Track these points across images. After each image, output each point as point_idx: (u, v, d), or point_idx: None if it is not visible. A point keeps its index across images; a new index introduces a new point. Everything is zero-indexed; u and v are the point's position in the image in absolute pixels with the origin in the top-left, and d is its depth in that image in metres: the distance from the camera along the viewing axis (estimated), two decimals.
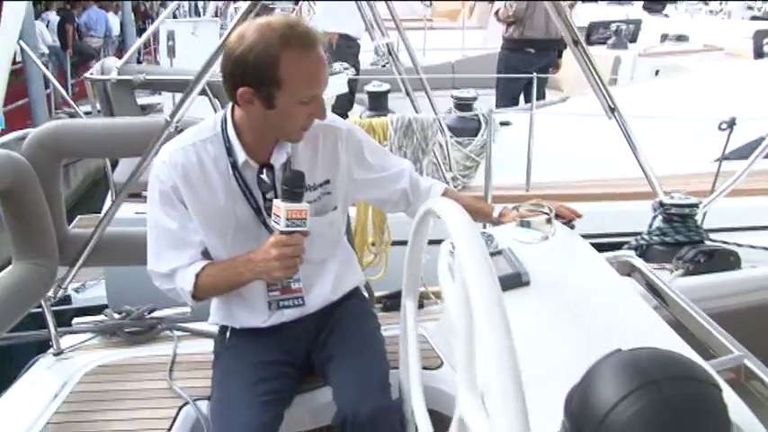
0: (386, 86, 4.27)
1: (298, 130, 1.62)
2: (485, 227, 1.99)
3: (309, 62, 1.52)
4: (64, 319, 2.40)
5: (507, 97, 6.39)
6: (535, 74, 4.38)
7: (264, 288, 1.76)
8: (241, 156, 1.66)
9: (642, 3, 13.02)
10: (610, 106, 2.59)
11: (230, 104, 1.66)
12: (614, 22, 7.88)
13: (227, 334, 1.87)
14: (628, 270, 1.64)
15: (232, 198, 1.69)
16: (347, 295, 1.92)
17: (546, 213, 1.69)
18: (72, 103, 4.31)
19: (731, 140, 3.51)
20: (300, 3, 7.24)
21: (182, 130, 1.90)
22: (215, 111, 2.83)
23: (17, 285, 1.88)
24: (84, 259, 2.27)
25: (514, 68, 6.09)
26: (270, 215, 1.63)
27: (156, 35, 7.14)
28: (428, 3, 9.83)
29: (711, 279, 1.88)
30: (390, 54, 3.79)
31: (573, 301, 1.37)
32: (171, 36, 6.56)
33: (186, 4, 13.72)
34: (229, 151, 1.67)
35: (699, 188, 3.23)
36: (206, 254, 1.74)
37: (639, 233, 2.50)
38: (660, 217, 2.32)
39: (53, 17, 12.77)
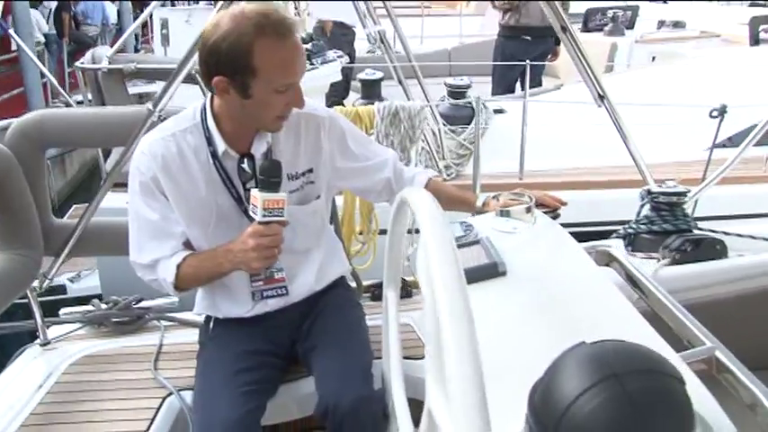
0: (379, 74, 4.26)
1: (274, 119, 1.61)
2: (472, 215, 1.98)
3: (284, 50, 1.50)
4: (59, 310, 2.40)
5: (503, 85, 6.35)
6: (528, 62, 4.36)
7: (248, 278, 1.75)
8: (221, 145, 1.64)
9: None
10: (599, 94, 2.57)
11: (210, 94, 1.65)
12: (611, 8, 7.83)
13: (211, 324, 1.87)
14: (607, 260, 1.63)
15: (213, 188, 1.68)
16: (332, 284, 1.92)
17: (526, 202, 1.67)
18: (62, 91, 4.29)
19: (726, 128, 3.51)
20: None
21: (165, 119, 1.89)
22: None
23: (0, 276, 1.87)
24: (69, 249, 2.25)
25: (510, 56, 6.07)
26: None
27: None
28: None
29: (696, 268, 1.87)
30: (382, 42, 3.77)
31: (548, 291, 1.36)
32: (165, 24, 6.51)
33: None
34: (209, 141, 1.66)
35: (693, 176, 3.22)
36: (188, 244, 1.74)
37: (631, 221, 2.49)
38: (648, 205, 2.31)
39: (54, 4, 12.67)
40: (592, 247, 1.63)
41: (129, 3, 15.19)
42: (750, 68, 4.93)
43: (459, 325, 0.73)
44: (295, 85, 1.57)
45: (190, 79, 2.81)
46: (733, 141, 3.75)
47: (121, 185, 2.64)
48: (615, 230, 2.45)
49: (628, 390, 0.75)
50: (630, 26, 7.84)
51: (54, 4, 12.63)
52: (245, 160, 1.66)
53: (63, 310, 2.32)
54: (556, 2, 2.52)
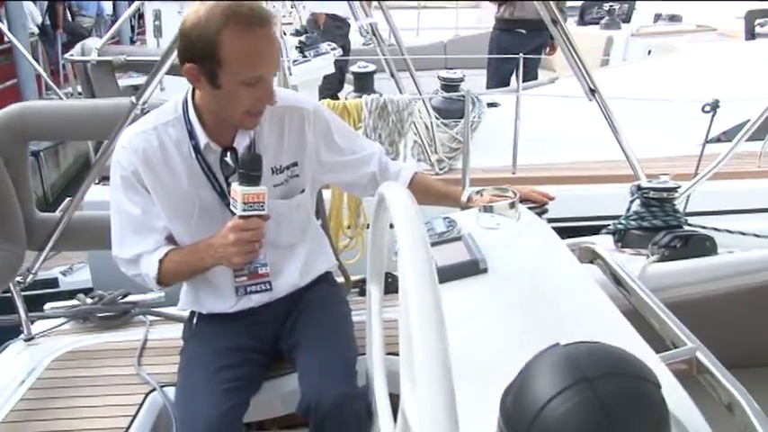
0: (371, 67, 4.22)
1: (243, 114, 1.56)
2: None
3: (252, 41, 1.47)
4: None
5: (498, 78, 6.31)
6: (522, 55, 4.33)
7: (231, 273, 1.74)
8: (202, 138, 1.62)
9: None
10: (590, 88, 2.54)
11: (190, 87, 1.62)
12: (608, 1, 7.79)
13: (195, 319, 1.85)
14: (591, 257, 1.61)
15: (195, 182, 1.66)
16: (317, 280, 1.90)
17: (510, 198, 1.65)
18: (51, 83, 4.25)
19: (720, 123, 3.48)
20: None
21: (148, 112, 1.86)
22: None
23: None
24: (53, 243, 2.23)
25: (505, 49, 6.02)
26: None
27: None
28: None
29: (685, 265, 1.84)
30: (374, 34, 3.74)
31: (529, 290, 1.34)
32: (158, 16, 6.46)
33: None
34: (191, 134, 1.63)
35: (686, 171, 3.20)
36: (171, 239, 1.72)
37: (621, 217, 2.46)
38: (638, 201, 2.28)
39: None
40: (575, 244, 1.61)
41: None
42: (745, 63, 4.90)
43: (428, 325, 0.71)
44: (265, 79, 1.53)
45: (179, 71, 2.78)
46: (727, 136, 3.73)
47: (109, 179, 2.63)
48: (606, 226, 2.43)
49: (599, 394, 0.73)
50: (627, 20, 7.79)
51: None
52: (228, 153, 1.64)
53: (48, 305, 2.30)
54: None
